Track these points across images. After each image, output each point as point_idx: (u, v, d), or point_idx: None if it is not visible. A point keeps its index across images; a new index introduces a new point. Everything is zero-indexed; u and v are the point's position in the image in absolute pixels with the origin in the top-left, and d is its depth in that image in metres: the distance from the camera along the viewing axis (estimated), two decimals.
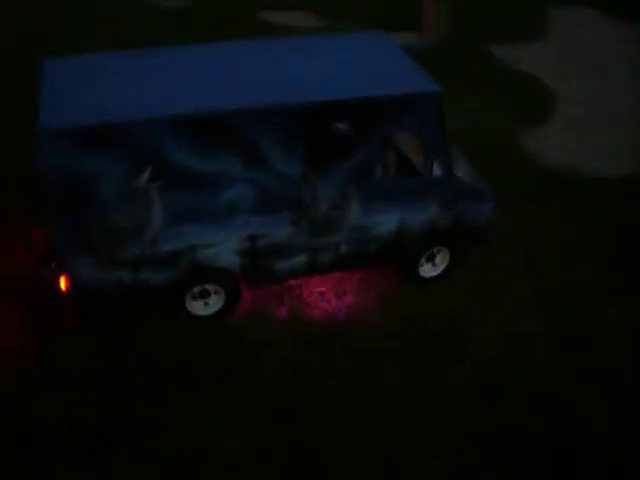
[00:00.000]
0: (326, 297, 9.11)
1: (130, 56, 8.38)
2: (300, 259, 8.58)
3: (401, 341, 8.52)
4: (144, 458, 7.08)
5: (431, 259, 9.27)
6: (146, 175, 7.45)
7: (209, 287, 8.46)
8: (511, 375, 8.15)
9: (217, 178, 7.70)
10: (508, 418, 7.66)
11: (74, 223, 7.49)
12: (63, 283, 7.89)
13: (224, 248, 8.16)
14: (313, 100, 7.60)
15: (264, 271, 8.53)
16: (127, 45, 15.24)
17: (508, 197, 11.08)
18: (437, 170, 8.81)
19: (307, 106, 7.58)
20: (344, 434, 7.41)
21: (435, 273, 9.38)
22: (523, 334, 8.72)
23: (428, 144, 8.18)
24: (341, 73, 8.14)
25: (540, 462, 7.27)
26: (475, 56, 15.51)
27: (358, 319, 8.82)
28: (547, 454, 7.35)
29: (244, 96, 7.58)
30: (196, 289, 8.42)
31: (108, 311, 8.72)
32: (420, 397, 7.83)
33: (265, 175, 7.85)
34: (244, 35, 15.92)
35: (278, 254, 8.44)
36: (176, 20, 16.69)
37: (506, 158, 12.06)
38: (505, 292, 9.33)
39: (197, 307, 8.59)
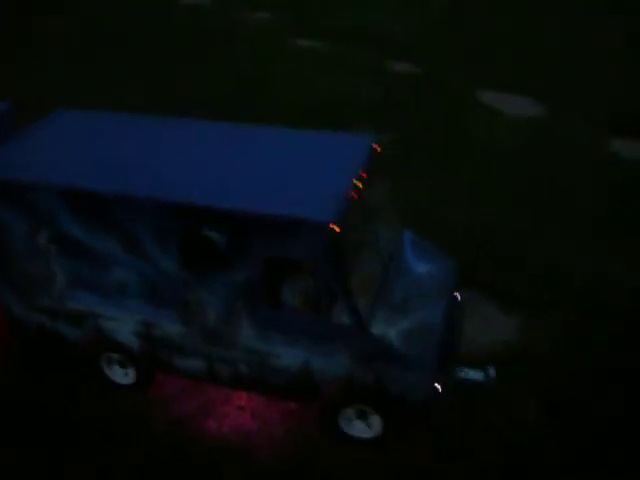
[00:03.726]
0: (240, 413, 8.18)
1: (128, 120, 8.70)
2: (197, 363, 7.90)
3: None
4: None
5: (364, 418, 7.58)
6: (44, 235, 7.75)
7: (119, 357, 8.36)
8: None
9: (104, 256, 7.60)
10: None
11: (2, 262, 8.21)
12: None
13: (123, 326, 8.00)
14: (184, 202, 6.96)
15: (164, 362, 8.09)
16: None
17: None
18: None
19: (177, 207, 6.99)
20: None
21: (368, 435, 7.64)
22: None
23: (317, 281, 6.75)
24: (252, 178, 7.25)
25: None
26: None
27: (258, 447, 7.75)
28: None
29: (135, 182, 7.31)
30: (109, 355, 8.40)
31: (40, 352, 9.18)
32: None
33: (146, 265, 7.47)
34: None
35: (174, 349, 7.92)
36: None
37: None
38: None
39: (117, 374, 8.57)
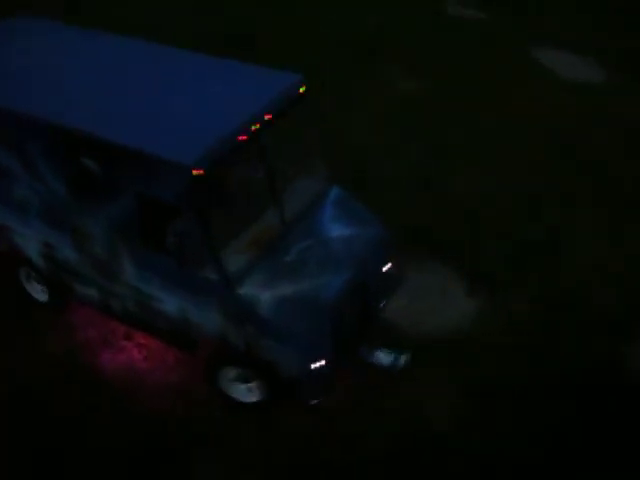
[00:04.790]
0: (137, 351, 7.89)
1: (68, 34, 8.24)
2: (93, 292, 7.63)
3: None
4: None
5: (245, 380, 7.09)
6: None
7: (29, 271, 8.23)
8: None
9: (6, 171, 7.37)
10: None
11: None
12: None
13: (31, 244, 7.82)
14: (64, 125, 6.54)
15: (65, 285, 7.89)
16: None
17: None
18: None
19: (59, 130, 6.59)
20: None
21: (250, 400, 7.15)
22: None
23: (180, 228, 6.19)
24: (146, 107, 6.69)
25: None
26: None
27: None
28: None
29: (31, 99, 6.95)
30: (27, 270, 8.29)
31: None
32: None
33: (41, 186, 7.17)
34: None
35: (73, 275, 7.68)
36: None
37: None
38: None
39: (34, 289, 8.47)
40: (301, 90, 7.01)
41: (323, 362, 6.62)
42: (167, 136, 6.20)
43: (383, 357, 7.46)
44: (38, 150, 6.89)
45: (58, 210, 7.17)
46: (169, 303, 6.93)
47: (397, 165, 10.84)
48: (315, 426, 7.08)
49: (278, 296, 6.52)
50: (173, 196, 6.08)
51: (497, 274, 8.93)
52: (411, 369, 7.61)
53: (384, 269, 7.57)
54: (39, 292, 8.36)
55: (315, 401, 6.86)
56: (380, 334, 8.01)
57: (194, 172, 5.85)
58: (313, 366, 6.57)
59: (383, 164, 10.82)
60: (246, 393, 7.10)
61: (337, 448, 6.90)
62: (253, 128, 6.43)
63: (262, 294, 6.47)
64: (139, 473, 6.70)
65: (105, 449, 6.90)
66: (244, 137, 6.32)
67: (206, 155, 5.98)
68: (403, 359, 7.44)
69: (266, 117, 6.56)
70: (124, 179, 6.40)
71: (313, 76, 12.55)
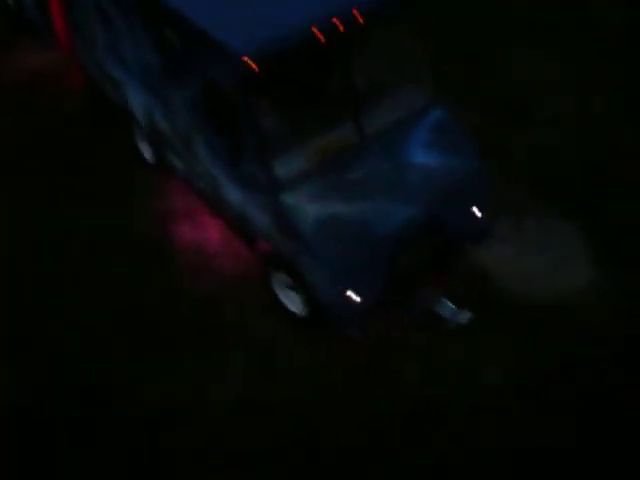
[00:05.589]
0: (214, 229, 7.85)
1: None
2: (180, 164, 7.64)
3: None
4: None
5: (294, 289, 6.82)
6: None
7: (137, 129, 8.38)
8: None
9: (121, 32, 7.42)
10: None
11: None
12: None
13: (136, 103, 7.93)
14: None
15: (163, 153, 7.97)
16: None
17: None
18: None
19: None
20: None
21: (297, 311, 6.81)
22: None
23: (232, 120, 5.85)
24: None
25: None
26: None
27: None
28: None
29: None
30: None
31: None
32: None
33: (144, 53, 7.12)
34: None
35: (166, 143, 7.72)
36: None
37: None
38: None
39: (144, 148, 8.57)
40: None
41: (357, 297, 6.08)
42: (235, 19, 5.74)
43: (446, 306, 6.72)
44: (138, 14, 6.78)
45: (153, 77, 7.11)
46: (232, 193, 6.71)
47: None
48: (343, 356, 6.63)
49: (325, 213, 6.00)
50: (226, 82, 5.68)
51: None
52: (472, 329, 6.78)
53: (473, 210, 6.67)
54: (148, 151, 8.44)
55: (352, 332, 6.39)
56: (456, 282, 7.18)
57: (244, 59, 5.36)
58: (348, 295, 6.07)
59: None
60: (295, 303, 6.78)
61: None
62: (333, 24, 5.71)
63: (308, 206, 5.98)
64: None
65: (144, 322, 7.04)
66: (317, 32, 5.63)
67: (263, 44, 5.45)
68: (467, 315, 6.64)
69: (354, 14, 5.78)
70: (196, 58, 6.09)
71: None
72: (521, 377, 6.45)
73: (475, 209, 6.69)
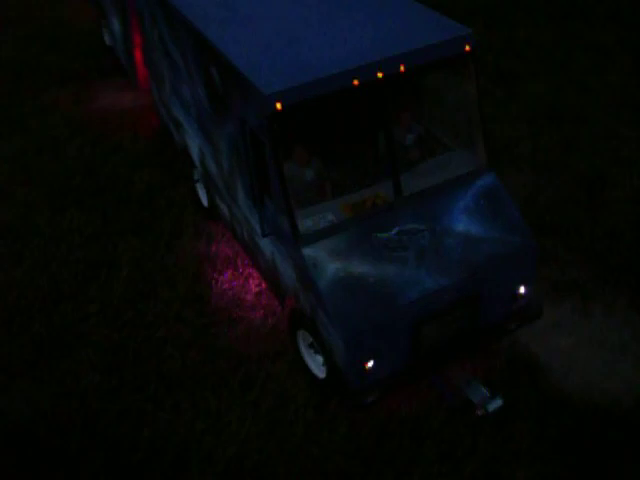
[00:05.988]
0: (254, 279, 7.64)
1: None
2: (224, 209, 7.53)
3: None
4: None
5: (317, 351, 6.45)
6: (155, 33, 7.93)
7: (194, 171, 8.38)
8: None
9: (180, 70, 7.50)
10: None
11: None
12: None
13: (193, 145, 7.95)
14: (198, 30, 6.36)
15: (213, 196, 7.90)
16: None
17: None
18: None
19: (195, 34, 6.45)
20: None
21: (319, 374, 6.42)
22: None
23: (255, 162, 5.66)
24: (278, 28, 6.14)
25: None
26: None
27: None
28: None
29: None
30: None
31: None
32: None
33: (195, 90, 7.14)
34: None
35: (214, 186, 7.65)
36: None
37: None
38: None
39: (201, 193, 8.50)
40: (466, 48, 5.72)
41: (371, 362, 5.61)
42: (269, 59, 5.56)
43: (477, 390, 6.10)
44: (193, 53, 6.79)
45: (204, 117, 7.07)
46: (264, 243, 6.47)
47: None
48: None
49: (345, 271, 5.60)
50: (254, 122, 5.49)
51: None
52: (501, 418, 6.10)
53: (516, 290, 6.08)
54: (203, 195, 8.39)
55: (365, 401, 5.88)
56: (497, 366, 6.55)
57: (273, 101, 5.15)
58: (366, 361, 5.61)
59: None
60: (317, 365, 6.38)
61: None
62: (375, 75, 5.42)
63: (329, 261, 5.61)
64: None
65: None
66: (355, 82, 5.36)
67: (291, 84, 5.21)
68: (498, 403, 5.99)
69: (399, 67, 5.48)
70: (233, 98, 5.97)
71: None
72: None
73: (521, 289, 6.10)
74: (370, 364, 5.63)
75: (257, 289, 7.46)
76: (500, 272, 5.86)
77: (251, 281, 7.57)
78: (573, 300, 7.31)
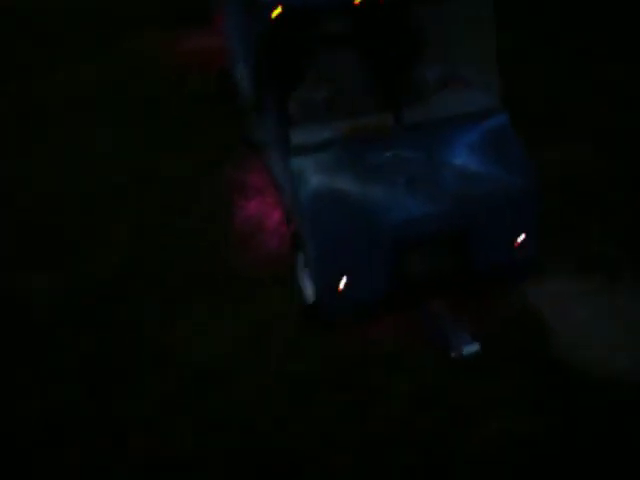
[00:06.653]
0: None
1: None
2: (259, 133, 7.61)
3: None
4: None
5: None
6: None
7: None
8: None
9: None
10: None
11: None
12: None
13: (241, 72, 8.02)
14: None
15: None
16: None
17: None
18: None
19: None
20: None
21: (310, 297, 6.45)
22: None
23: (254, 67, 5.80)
24: None
25: None
26: None
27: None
28: None
29: None
30: None
31: None
32: None
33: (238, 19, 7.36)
34: None
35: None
36: None
37: None
38: None
39: None
40: None
41: (345, 279, 5.55)
42: None
43: (457, 331, 5.90)
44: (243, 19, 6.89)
45: (241, 41, 7.20)
46: (273, 157, 6.54)
47: None
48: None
49: (330, 186, 5.59)
50: (256, 37, 5.63)
51: None
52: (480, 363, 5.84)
53: (518, 238, 5.83)
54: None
55: (333, 318, 5.82)
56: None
57: (274, 11, 5.26)
58: (341, 280, 5.57)
59: None
60: (309, 290, 6.38)
61: None
62: None
63: (315, 173, 5.61)
64: None
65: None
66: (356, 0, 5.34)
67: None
68: (475, 347, 5.76)
69: None
70: (250, 17, 6.12)
71: None
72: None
73: (520, 237, 5.83)
74: (343, 281, 5.57)
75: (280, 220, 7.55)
76: (493, 212, 5.63)
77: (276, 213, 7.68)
78: (601, 276, 6.87)
